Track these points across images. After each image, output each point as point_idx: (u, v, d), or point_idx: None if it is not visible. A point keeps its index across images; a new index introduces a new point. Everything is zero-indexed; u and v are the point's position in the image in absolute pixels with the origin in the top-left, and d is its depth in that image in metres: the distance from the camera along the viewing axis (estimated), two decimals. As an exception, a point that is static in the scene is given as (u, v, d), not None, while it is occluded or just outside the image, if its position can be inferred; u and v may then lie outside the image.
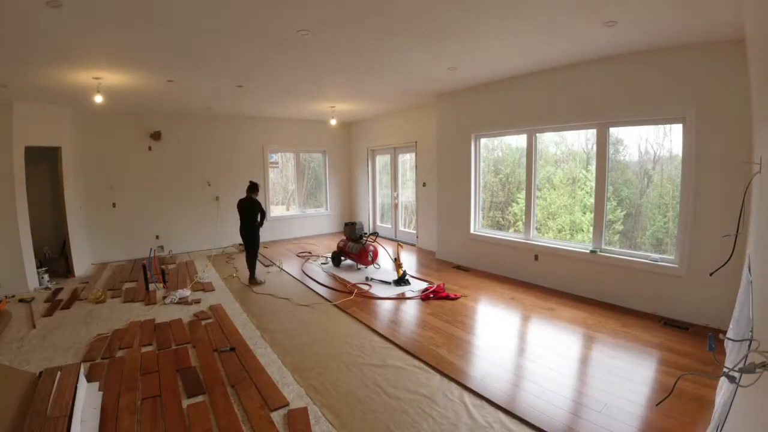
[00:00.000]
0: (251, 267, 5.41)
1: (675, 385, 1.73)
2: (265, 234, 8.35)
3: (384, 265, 6.08)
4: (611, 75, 4.11)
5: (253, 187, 5.33)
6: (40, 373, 2.46)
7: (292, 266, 6.27)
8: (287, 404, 2.55)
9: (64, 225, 5.87)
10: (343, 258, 6.14)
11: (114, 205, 6.76)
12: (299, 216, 9.06)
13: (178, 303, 4.58)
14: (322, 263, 6.38)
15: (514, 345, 3.45)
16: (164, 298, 4.69)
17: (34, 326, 3.91)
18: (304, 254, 7.08)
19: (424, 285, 5.00)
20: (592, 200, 4.59)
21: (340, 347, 3.38)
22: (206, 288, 5.16)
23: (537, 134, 5.13)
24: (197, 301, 4.62)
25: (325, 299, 4.66)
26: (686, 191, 3.67)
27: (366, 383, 2.80)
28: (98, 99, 4.61)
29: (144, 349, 3.38)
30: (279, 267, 5.11)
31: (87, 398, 2.44)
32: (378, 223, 9.01)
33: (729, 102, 3.33)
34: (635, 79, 3.93)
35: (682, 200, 3.72)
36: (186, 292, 4.82)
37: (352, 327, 3.81)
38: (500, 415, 2.41)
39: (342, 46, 3.62)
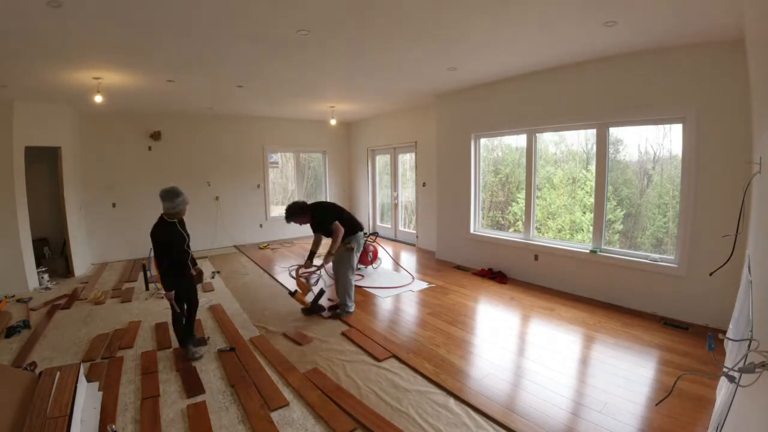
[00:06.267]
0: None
1: (675, 384, 1.73)
2: (264, 234, 8.42)
3: (383, 265, 6.09)
4: (611, 75, 4.11)
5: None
6: (40, 373, 2.46)
7: (293, 269, 6.28)
8: (287, 404, 2.55)
9: (64, 225, 5.87)
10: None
11: (114, 205, 6.76)
12: (299, 216, 9.04)
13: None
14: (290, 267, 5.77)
15: (514, 345, 3.45)
16: (158, 290, 4.89)
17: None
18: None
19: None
20: (592, 200, 4.59)
21: (341, 346, 3.39)
22: (206, 288, 5.17)
23: (537, 134, 5.13)
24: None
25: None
26: (686, 191, 3.67)
27: (366, 383, 2.81)
28: (98, 99, 4.61)
29: (144, 349, 3.38)
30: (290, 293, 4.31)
31: (87, 398, 2.44)
32: (378, 223, 9.01)
33: (729, 102, 3.33)
34: (635, 79, 3.93)
35: (682, 200, 3.72)
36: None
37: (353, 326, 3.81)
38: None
39: (342, 46, 3.61)
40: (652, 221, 4.63)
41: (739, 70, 3.03)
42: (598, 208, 4.43)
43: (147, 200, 7.00)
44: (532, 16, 2.98)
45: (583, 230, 5.18)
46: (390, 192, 8.46)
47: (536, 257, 5.05)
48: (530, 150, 5.15)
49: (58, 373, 2.39)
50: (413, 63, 4.26)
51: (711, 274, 2.35)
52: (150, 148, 7.01)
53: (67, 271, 5.89)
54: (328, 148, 9.23)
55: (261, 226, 8.41)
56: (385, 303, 4.53)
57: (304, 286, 4.13)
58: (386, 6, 2.76)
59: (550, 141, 5.59)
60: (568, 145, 5.61)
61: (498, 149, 6.29)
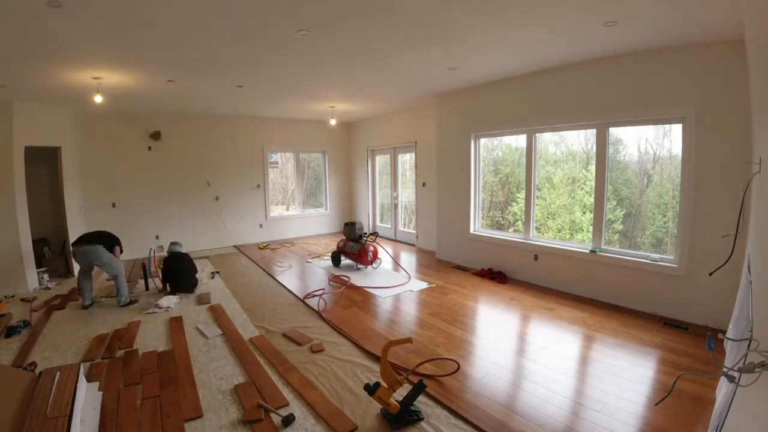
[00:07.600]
0: None
1: (674, 384, 1.73)
2: (264, 234, 8.43)
3: (383, 265, 6.08)
4: (611, 75, 4.11)
5: None
6: (40, 373, 2.46)
7: (292, 269, 6.28)
8: (287, 404, 2.55)
9: (64, 225, 5.86)
10: (343, 258, 6.15)
11: (114, 205, 6.76)
12: (299, 216, 9.06)
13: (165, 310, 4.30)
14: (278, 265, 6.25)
15: (514, 345, 3.45)
16: (151, 305, 4.43)
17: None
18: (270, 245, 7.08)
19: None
20: (592, 200, 4.59)
21: (340, 346, 3.39)
22: (206, 288, 5.16)
23: (536, 134, 5.13)
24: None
25: (315, 311, 4.66)
26: (686, 191, 3.67)
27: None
28: (98, 99, 4.61)
29: (144, 349, 3.38)
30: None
31: (87, 398, 2.44)
32: (378, 223, 9.01)
33: (729, 102, 3.33)
34: (635, 79, 3.93)
35: (682, 200, 3.72)
36: (172, 301, 4.51)
37: (354, 327, 3.81)
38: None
39: (342, 46, 3.61)
40: (651, 221, 4.63)
41: (739, 70, 3.03)
42: (598, 208, 4.43)
43: (147, 200, 7.03)
44: (532, 16, 2.98)
45: (582, 230, 5.18)
46: (390, 192, 8.46)
47: (536, 257, 5.05)
48: (530, 150, 5.15)
49: (58, 373, 2.39)
50: (413, 63, 4.26)
51: (711, 274, 2.35)
52: (150, 148, 7.01)
53: (67, 271, 5.88)
54: (328, 148, 9.23)
55: (261, 226, 8.41)
56: (385, 303, 4.53)
57: (393, 375, 2.45)
58: (386, 6, 2.76)
59: (550, 141, 5.59)
60: (568, 145, 5.61)
61: (498, 149, 6.29)
